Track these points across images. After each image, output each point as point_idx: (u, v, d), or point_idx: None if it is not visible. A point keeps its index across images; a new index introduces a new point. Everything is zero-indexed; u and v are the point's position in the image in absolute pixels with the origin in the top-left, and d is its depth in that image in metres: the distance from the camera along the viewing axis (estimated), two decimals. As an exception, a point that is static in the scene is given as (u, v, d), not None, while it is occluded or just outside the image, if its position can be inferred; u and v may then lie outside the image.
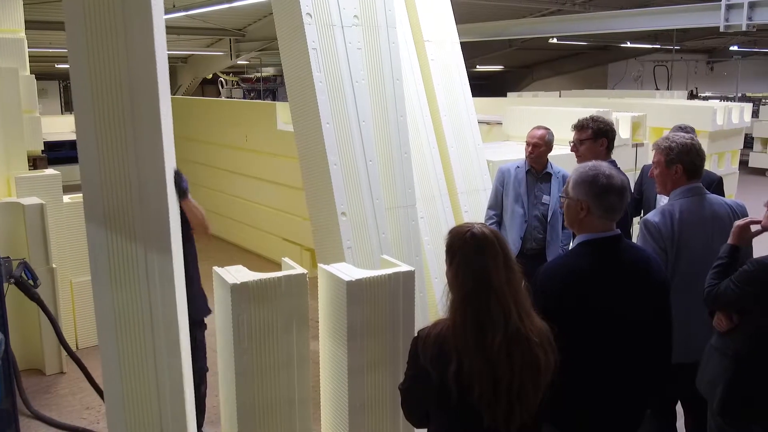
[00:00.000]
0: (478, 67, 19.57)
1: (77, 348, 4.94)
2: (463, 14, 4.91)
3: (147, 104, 2.36)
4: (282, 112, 7.06)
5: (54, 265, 4.55)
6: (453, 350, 1.76)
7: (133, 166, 2.38)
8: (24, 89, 4.84)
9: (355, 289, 2.69)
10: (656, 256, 2.50)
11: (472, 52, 4.38)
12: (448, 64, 4.83)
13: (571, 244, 4.15)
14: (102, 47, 2.30)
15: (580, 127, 3.70)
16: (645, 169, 3.91)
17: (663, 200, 3.60)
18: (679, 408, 3.12)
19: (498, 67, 21.29)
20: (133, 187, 2.39)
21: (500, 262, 1.79)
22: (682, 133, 3.01)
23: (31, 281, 3.73)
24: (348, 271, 2.80)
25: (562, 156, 4.73)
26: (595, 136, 3.64)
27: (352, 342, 2.72)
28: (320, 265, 2.92)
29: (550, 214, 4.09)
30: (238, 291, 2.61)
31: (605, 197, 2.13)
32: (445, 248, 1.89)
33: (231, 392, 2.71)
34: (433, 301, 4.17)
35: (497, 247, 1.81)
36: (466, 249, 1.81)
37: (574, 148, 3.76)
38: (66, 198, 4.97)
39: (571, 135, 3.81)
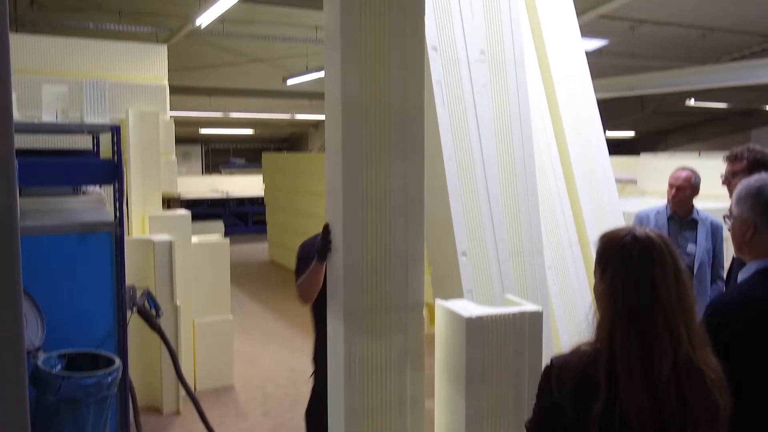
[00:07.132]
0: (606, 133, 18.85)
1: (195, 389, 4.97)
2: (592, 71, 4.67)
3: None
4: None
5: (178, 303, 4.65)
6: (602, 383, 1.42)
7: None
8: (163, 133, 5.11)
9: (474, 327, 2.46)
10: None
11: (600, 115, 4.19)
12: (579, 107, 4.59)
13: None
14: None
15: (733, 158, 3.30)
16: None
17: None
18: None
19: (629, 134, 20.42)
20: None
21: (670, 273, 1.44)
22: None
23: (153, 311, 3.78)
24: (468, 308, 2.58)
25: (706, 209, 4.28)
26: (751, 169, 3.21)
27: (471, 386, 2.47)
28: (438, 301, 2.72)
29: (696, 266, 3.65)
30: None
31: None
32: (595, 258, 1.56)
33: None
34: (560, 357, 3.80)
35: (666, 255, 1.45)
36: (627, 254, 1.46)
37: (726, 181, 3.34)
38: (195, 238, 5.13)
39: (715, 189, 3.40)
